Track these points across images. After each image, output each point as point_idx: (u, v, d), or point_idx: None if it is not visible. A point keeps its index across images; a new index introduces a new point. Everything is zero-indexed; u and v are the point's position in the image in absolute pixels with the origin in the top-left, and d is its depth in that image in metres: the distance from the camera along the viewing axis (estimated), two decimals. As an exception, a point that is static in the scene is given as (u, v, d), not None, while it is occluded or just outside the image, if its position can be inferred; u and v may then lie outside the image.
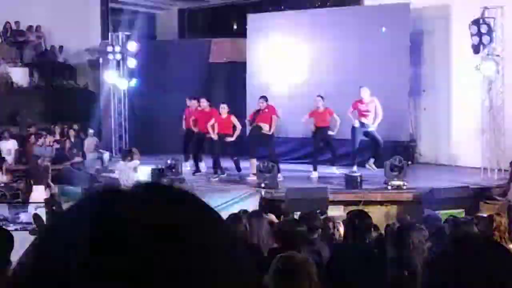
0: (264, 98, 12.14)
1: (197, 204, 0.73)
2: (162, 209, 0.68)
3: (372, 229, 5.59)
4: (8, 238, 3.05)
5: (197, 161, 12.85)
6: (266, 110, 12.01)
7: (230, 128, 12.06)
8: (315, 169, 12.24)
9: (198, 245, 0.67)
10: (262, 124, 11.93)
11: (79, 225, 0.67)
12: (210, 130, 12.16)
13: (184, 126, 13.35)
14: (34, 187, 12.06)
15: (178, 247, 0.65)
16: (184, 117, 13.39)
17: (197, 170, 12.82)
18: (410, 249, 4.38)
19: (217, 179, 12.06)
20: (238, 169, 12.10)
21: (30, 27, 18.53)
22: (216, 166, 12.24)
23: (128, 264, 0.63)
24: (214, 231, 0.71)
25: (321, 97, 12.13)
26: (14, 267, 0.70)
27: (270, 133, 12.02)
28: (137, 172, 11.33)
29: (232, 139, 12.01)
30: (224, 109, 12.09)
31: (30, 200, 10.73)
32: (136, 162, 11.01)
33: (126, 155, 11.13)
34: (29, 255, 0.69)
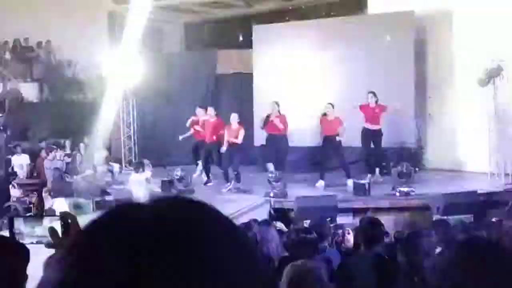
0: (277, 103, 12.22)
1: (218, 217, 0.76)
2: (187, 223, 0.71)
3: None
4: (24, 252, 3.13)
5: (208, 172, 12.92)
6: (278, 119, 12.07)
7: (239, 139, 12.11)
8: (322, 178, 12.21)
9: (223, 257, 0.70)
10: (275, 133, 12.03)
11: (113, 245, 0.69)
12: (225, 143, 12.19)
13: (193, 135, 13.47)
14: (56, 200, 12.24)
15: (205, 260, 0.69)
16: (191, 126, 13.49)
17: (208, 180, 12.89)
18: (420, 255, 4.44)
19: (228, 189, 12.12)
20: (238, 180, 12.16)
21: (39, 43, 18.74)
22: (227, 176, 12.28)
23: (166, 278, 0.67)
24: (236, 243, 0.74)
25: (332, 105, 12.15)
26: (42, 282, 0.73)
27: (284, 133, 12.09)
28: (149, 183, 11.44)
29: (224, 148, 12.05)
30: (234, 119, 12.16)
31: (56, 213, 10.94)
32: (147, 173, 11.14)
33: (138, 167, 11.26)
34: (64, 269, 0.71)
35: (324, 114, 12.10)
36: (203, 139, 12.97)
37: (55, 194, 12.64)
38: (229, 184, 12.15)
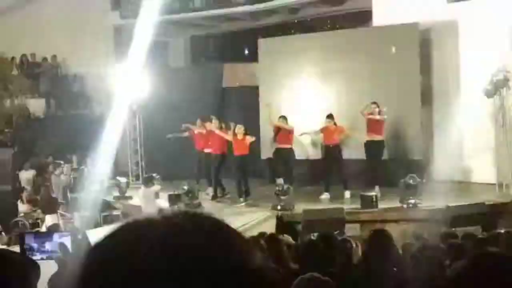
0: (284, 117, 12.23)
1: (233, 233, 0.78)
2: (204, 240, 0.73)
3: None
4: (35, 268, 3.15)
5: (219, 186, 12.85)
6: (288, 133, 12.06)
7: (246, 149, 12.08)
8: (326, 190, 12.14)
9: (240, 274, 0.72)
10: (283, 146, 12.02)
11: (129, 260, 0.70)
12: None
13: (195, 144, 13.51)
14: (47, 216, 12.27)
15: (222, 274, 0.70)
16: (193, 137, 13.51)
17: (218, 195, 12.86)
18: (429, 267, 4.42)
19: (243, 203, 12.06)
20: (247, 194, 12.09)
21: (45, 58, 18.86)
22: (240, 190, 12.23)
23: None
24: (249, 256, 0.76)
25: (331, 116, 12.05)
26: None
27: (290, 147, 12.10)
28: (159, 197, 11.45)
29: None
30: (240, 129, 12.11)
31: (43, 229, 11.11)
32: (157, 187, 11.14)
33: (147, 181, 11.27)
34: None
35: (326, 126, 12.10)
36: (208, 152, 12.91)
37: (44, 210, 12.67)
38: (242, 199, 12.10)
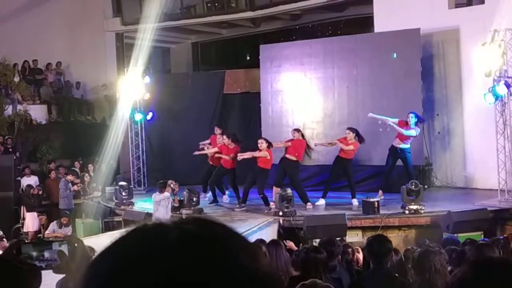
0: (297, 130, 12.18)
1: (243, 240, 0.79)
2: (214, 247, 0.73)
3: (393, 253, 5.61)
4: (37, 275, 3.14)
5: (214, 192, 12.85)
6: (294, 144, 11.94)
7: (269, 164, 11.98)
8: (323, 197, 12.08)
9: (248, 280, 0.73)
10: (289, 156, 11.94)
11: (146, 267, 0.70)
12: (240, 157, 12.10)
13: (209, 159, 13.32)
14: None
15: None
16: (209, 143, 13.42)
17: (214, 200, 12.85)
18: (432, 273, 4.41)
19: (239, 209, 12.04)
20: (267, 203, 11.99)
21: (48, 64, 18.90)
22: (242, 197, 12.19)
23: None
24: (261, 262, 0.76)
25: (352, 130, 11.94)
26: None
27: (295, 159, 12.00)
28: (172, 203, 11.46)
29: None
30: (262, 144, 11.76)
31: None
32: (166, 194, 11.11)
33: (162, 186, 11.27)
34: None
35: (344, 138, 11.99)
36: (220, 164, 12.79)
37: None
38: (238, 206, 12.09)
